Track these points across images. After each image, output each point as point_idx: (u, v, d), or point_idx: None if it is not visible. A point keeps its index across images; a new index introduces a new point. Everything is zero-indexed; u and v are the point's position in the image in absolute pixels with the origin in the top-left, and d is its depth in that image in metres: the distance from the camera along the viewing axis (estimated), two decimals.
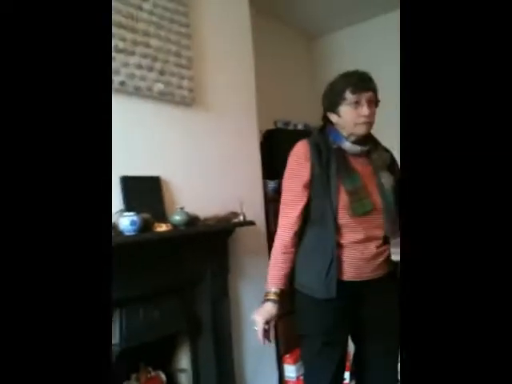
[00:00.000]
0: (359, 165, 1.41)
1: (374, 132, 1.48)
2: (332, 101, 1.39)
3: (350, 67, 1.44)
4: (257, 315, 1.39)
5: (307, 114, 3.31)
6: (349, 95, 1.33)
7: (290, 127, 2.79)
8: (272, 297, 1.38)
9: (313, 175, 1.37)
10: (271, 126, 2.71)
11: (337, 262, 1.34)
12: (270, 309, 1.37)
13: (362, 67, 1.43)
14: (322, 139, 1.42)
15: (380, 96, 1.42)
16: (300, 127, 2.83)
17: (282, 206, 1.44)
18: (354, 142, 1.40)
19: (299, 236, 1.41)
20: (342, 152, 1.40)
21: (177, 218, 1.78)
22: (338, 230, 1.35)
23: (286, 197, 1.43)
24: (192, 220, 1.86)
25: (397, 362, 1.53)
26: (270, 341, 1.43)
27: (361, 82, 1.35)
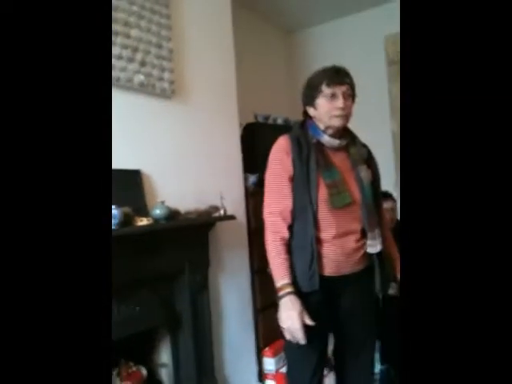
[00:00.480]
0: (338, 159, 1.44)
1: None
2: (309, 94, 1.43)
3: (328, 62, 1.47)
4: (290, 311, 1.30)
5: (287, 108, 3.32)
6: (324, 88, 1.37)
7: (270, 121, 2.79)
8: (290, 289, 1.32)
9: (294, 170, 1.38)
10: (251, 120, 2.70)
11: (317, 258, 1.35)
12: (297, 301, 1.30)
13: (339, 62, 1.47)
14: (302, 134, 1.44)
15: (356, 91, 1.44)
16: (280, 121, 2.84)
17: (269, 201, 1.42)
18: (332, 136, 1.43)
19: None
20: (320, 146, 1.42)
21: (157, 211, 1.76)
22: (317, 224, 1.36)
23: (272, 191, 1.41)
24: (173, 214, 1.85)
25: (373, 353, 1.57)
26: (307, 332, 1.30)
27: (336, 76, 1.38)
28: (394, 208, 2.52)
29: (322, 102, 1.39)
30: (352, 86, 1.42)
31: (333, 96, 1.36)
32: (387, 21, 3.26)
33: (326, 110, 1.38)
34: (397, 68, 3.26)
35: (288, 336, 1.33)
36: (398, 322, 1.54)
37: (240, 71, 2.53)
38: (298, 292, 1.34)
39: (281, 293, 1.33)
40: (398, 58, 3.25)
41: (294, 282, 1.36)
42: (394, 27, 3.25)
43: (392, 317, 1.62)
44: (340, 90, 1.36)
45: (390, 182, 3.01)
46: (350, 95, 1.41)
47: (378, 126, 3.19)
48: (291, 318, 1.29)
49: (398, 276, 1.55)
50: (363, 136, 1.56)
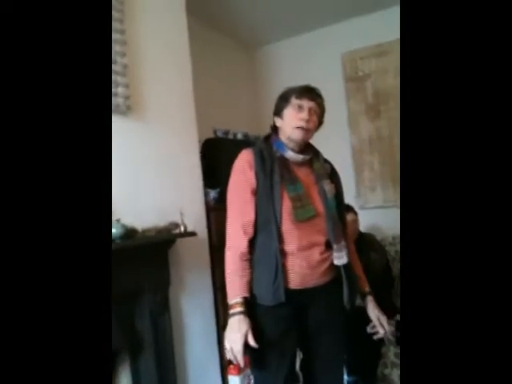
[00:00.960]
0: (301, 173, 1.46)
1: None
2: (279, 105, 1.48)
3: (288, 78, 1.50)
4: (234, 333, 1.29)
5: (247, 124, 3.34)
6: (293, 99, 1.43)
7: (230, 136, 2.78)
8: (240, 308, 1.31)
9: (257, 183, 1.39)
10: (210, 135, 2.69)
11: (282, 271, 1.35)
12: (245, 321, 1.30)
13: (302, 78, 1.50)
14: (266, 148, 1.46)
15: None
16: (240, 136, 2.84)
17: (231, 214, 1.42)
18: (295, 151, 1.45)
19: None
20: (284, 160, 1.44)
21: (113, 231, 1.71)
22: (281, 237, 1.36)
23: (235, 205, 1.42)
24: (129, 232, 1.79)
25: (342, 366, 1.56)
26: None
27: (307, 92, 1.44)
28: (355, 220, 2.55)
29: (288, 112, 1.43)
30: (320, 107, 1.46)
31: (300, 108, 1.41)
32: (344, 38, 3.37)
33: (290, 119, 1.42)
34: (354, 84, 3.36)
35: (229, 356, 1.32)
36: (366, 332, 1.55)
37: (199, 86, 2.52)
38: (250, 310, 1.34)
39: (231, 311, 1.33)
40: (355, 74, 3.35)
41: (257, 297, 1.36)
42: (351, 44, 3.36)
43: (359, 328, 1.62)
44: (307, 105, 1.41)
45: (350, 194, 3.07)
46: (316, 113, 1.45)
47: (337, 140, 3.26)
48: (234, 340, 1.29)
49: (365, 289, 1.57)
50: (324, 151, 1.58)
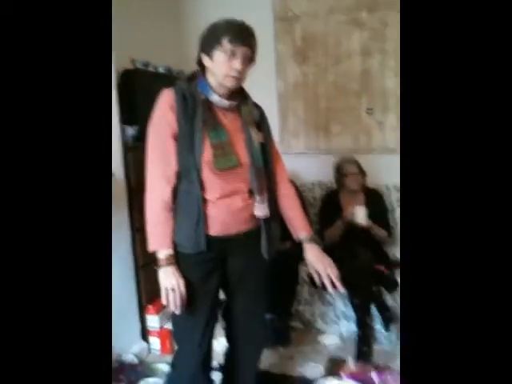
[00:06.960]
0: (227, 119, 1.39)
1: None
2: (209, 43, 1.33)
3: (218, 11, 1.38)
4: (172, 279, 1.32)
5: (169, 57, 3.10)
6: (226, 43, 1.28)
7: (150, 68, 2.57)
8: (169, 260, 1.33)
9: (179, 127, 1.30)
10: (127, 65, 2.46)
11: (204, 218, 1.32)
12: (176, 271, 1.34)
13: (230, 13, 1.38)
14: (189, 89, 1.35)
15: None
16: (161, 70, 2.64)
17: (151, 161, 1.34)
18: (222, 96, 1.36)
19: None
20: (209, 104, 1.35)
21: None
22: (202, 185, 1.32)
23: (155, 150, 1.34)
24: None
25: (264, 311, 1.61)
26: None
27: (241, 35, 1.30)
28: (356, 173, 2.54)
29: (219, 57, 1.31)
30: (253, 50, 1.35)
31: (232, 54, 1.29)
32: None
33: (222, 66, 1.31)
34: (285, 25, 3.25)
35: (171, 299, 1.32)
36: (280, 271, 1.58)
37: (118, 10, 2.25)
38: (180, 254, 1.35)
39: (161, 263, 1.33)
40: (286, 14, 3.23)
41: (177, 245, 1.35)
42: None
43: (274, 267, 1.65)
44: (241, 51, 1.30)
45: (274, 139, 3.06)
46: (250, 57, 1.35)
47: (263, 84, 3.17)
48: (175, 284, 1.32)
49: (300, 234, 1.52)
50: (250, 94, 1.51)
